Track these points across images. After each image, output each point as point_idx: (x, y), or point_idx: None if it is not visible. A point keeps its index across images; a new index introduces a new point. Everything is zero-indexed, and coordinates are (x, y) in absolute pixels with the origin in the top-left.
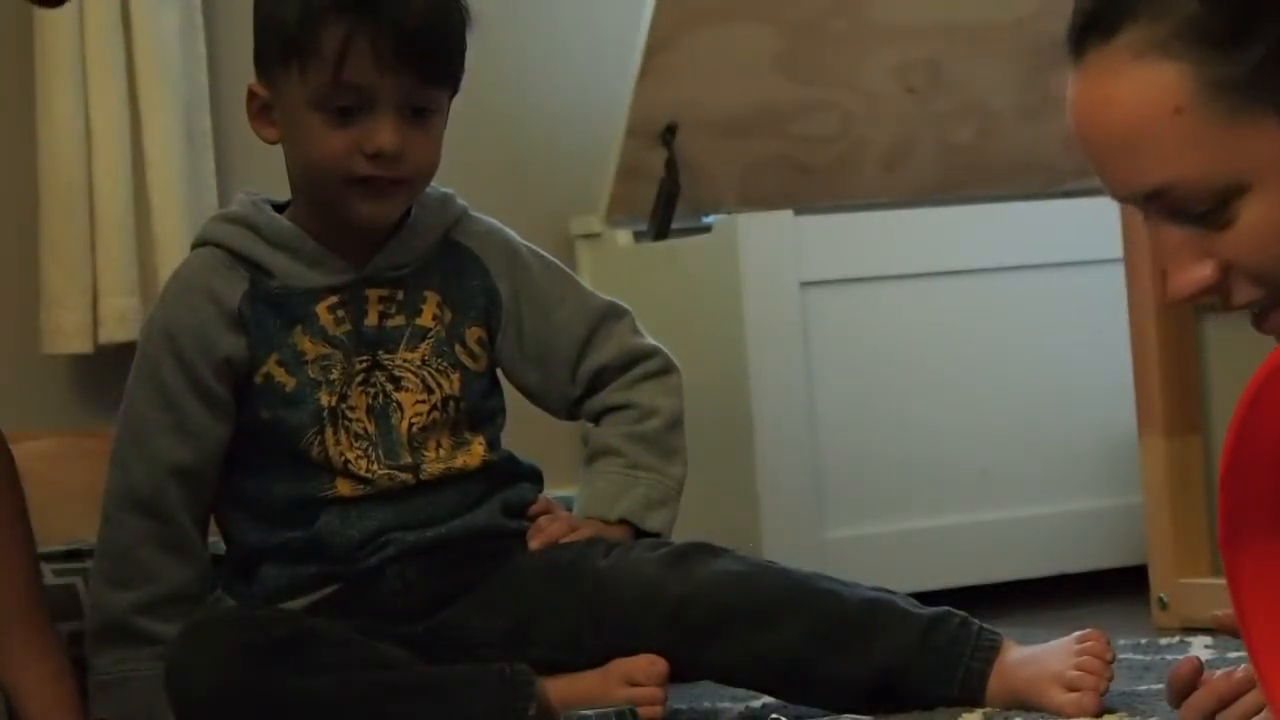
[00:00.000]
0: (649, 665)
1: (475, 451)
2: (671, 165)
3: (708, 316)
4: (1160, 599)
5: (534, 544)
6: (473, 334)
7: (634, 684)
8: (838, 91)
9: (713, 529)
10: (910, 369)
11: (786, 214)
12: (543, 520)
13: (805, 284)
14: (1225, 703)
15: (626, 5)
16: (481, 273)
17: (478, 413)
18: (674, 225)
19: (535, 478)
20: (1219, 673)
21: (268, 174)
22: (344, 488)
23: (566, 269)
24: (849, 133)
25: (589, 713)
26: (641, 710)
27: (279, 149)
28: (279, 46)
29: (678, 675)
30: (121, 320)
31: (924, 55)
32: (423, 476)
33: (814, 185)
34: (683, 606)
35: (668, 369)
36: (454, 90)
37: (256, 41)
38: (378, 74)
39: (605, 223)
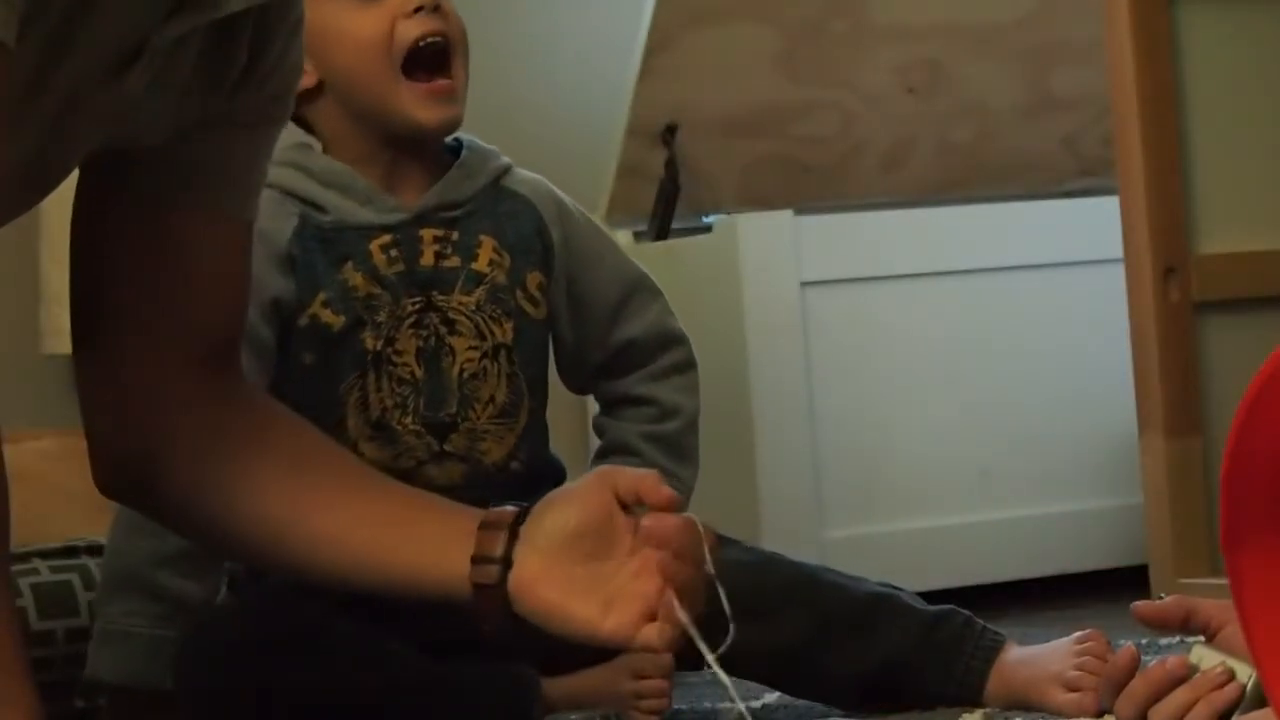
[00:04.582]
0: (655, 658)
1: (506, 440)
2: (671, 165)
3: (708, 316)
4: (1160, 599)
5: None
6: (533, 279)
7: (641, 677)
8: (838, 91)
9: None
10: (910, 369)
11: (786, 214)
12: None
13: (805, 284)
14: (1161, 693)
15: (626, 5)
16: (535, 217)
17: (534, 371)
18: (674, 225)
19: (558, 479)
20: (1153, 662)
21: None
22: (370, 453)
23: (604, 229)
24: (849, 133)
25: (574, 717)
26: (647, 703)
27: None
28: None
29: (683, 665)
30: None
31: (924, 55)
32: (462, 424)
33: (814, 185)
34: None
35: (691, 362)
36: None
37: None
38: None
39: (605, 223)
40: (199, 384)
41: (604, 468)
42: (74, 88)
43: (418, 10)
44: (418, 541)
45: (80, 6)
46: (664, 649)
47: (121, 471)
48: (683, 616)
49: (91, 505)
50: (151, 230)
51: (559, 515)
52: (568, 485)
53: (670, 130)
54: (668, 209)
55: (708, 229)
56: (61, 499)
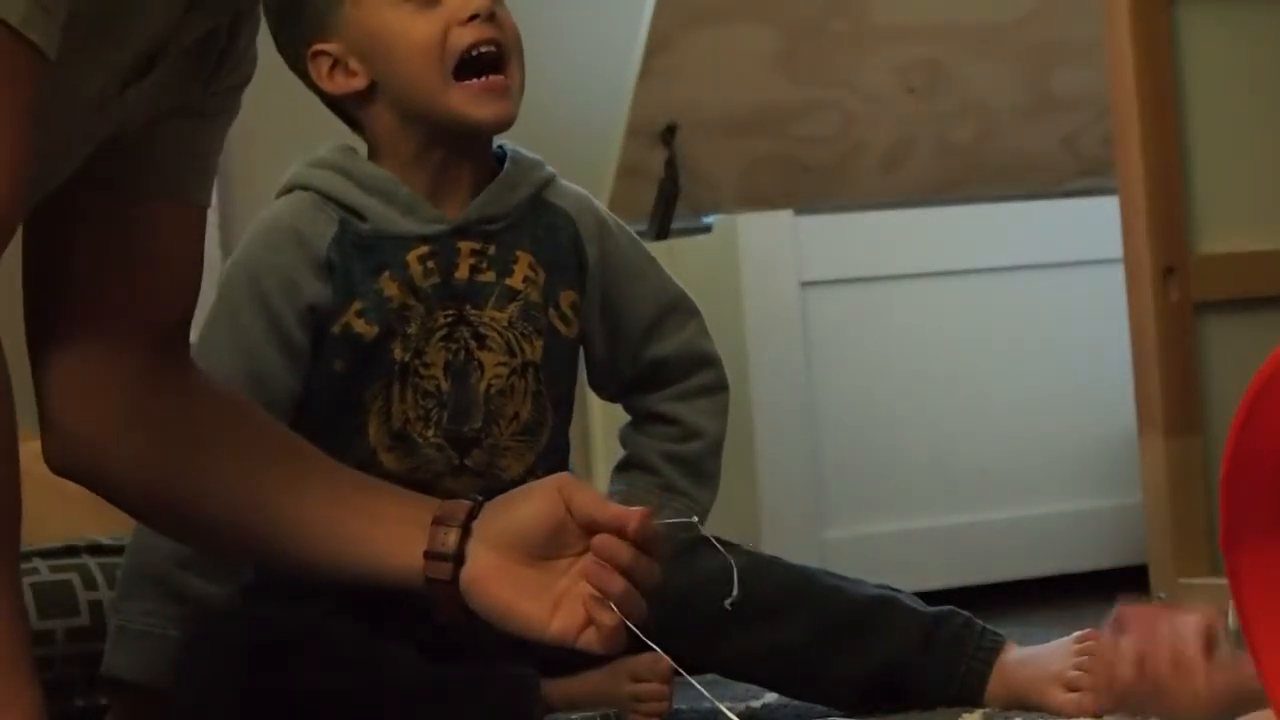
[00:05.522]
0: (654, 662)
1: (526, 457)
2: (671, 165)
3: (708, 317)
4: (1160, 599)
5: None
6: (567, 298)
7: (639, 680)
8: (838, 91)
9: (713, 529)
10: (910, 369)
11: (786, 214)
12: None
13: (805, 284)
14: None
15: (626, 5)
16: (573, 234)
17: (560, 389)
18: (674, 225)
19: None
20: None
21: (268, 173)
22: (388, 462)
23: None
24: (849, 133)
25: (574, 717)
26: (647, 705)
27: (284, 149)
28: None
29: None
30: None
31: (924, 55)
32: (485, 440)
33: (814, 185)
34: (687, 599)
35: (721, 385)
36: None
37: (296, 10)
38: None
39: None
40: (160, 367)
41: (564, 475)
42: (98, 92)
43: (473, 18)
44: (374, 530)
45: (111, 15)
46: (604, 650)
47: (80, 452)
48: (616, 614)
49: (91, 505)
50: (119, 216)
51: (514, 514)
52: (524, 486)
53: (670, 130)
54: (668, 209)
55: (708, 229)
56: (61, 499)
